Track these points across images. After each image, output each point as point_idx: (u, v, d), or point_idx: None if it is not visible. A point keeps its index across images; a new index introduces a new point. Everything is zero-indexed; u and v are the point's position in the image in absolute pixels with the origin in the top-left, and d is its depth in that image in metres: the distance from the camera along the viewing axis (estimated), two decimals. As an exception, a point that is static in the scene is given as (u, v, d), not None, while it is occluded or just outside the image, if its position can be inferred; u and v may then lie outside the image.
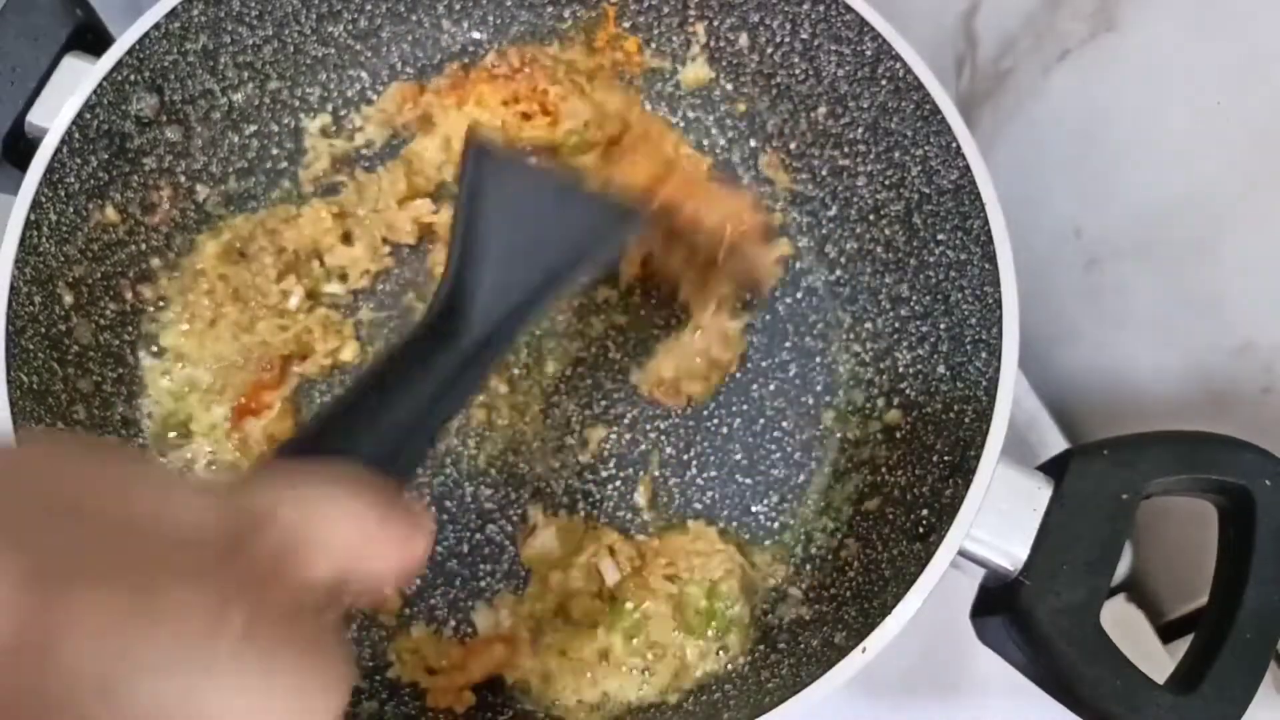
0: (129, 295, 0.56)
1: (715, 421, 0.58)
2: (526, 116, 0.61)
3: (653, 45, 0.64)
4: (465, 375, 0.43)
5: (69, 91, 0.52)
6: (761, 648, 0.52)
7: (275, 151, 0.61)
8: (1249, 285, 0.56)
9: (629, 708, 0.51)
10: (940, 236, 0.54)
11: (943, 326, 0.54)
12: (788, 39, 0.59)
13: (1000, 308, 0.49)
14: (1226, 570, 0.46)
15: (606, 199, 0.49)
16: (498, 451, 0.57)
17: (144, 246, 0.57)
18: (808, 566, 0.55)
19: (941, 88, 0.53)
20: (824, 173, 0.61)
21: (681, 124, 0.64)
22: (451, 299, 0.45)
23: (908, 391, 0.56)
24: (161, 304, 0.57)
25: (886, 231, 0.58)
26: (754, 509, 0.56)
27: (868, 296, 0.59)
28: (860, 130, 0.58)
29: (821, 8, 0.56)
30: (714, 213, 0.56)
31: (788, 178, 0.62)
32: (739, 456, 0.57)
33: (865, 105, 0.57)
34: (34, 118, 0.53)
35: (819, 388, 0.59)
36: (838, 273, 0.60)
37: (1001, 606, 0.46)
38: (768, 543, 0.56)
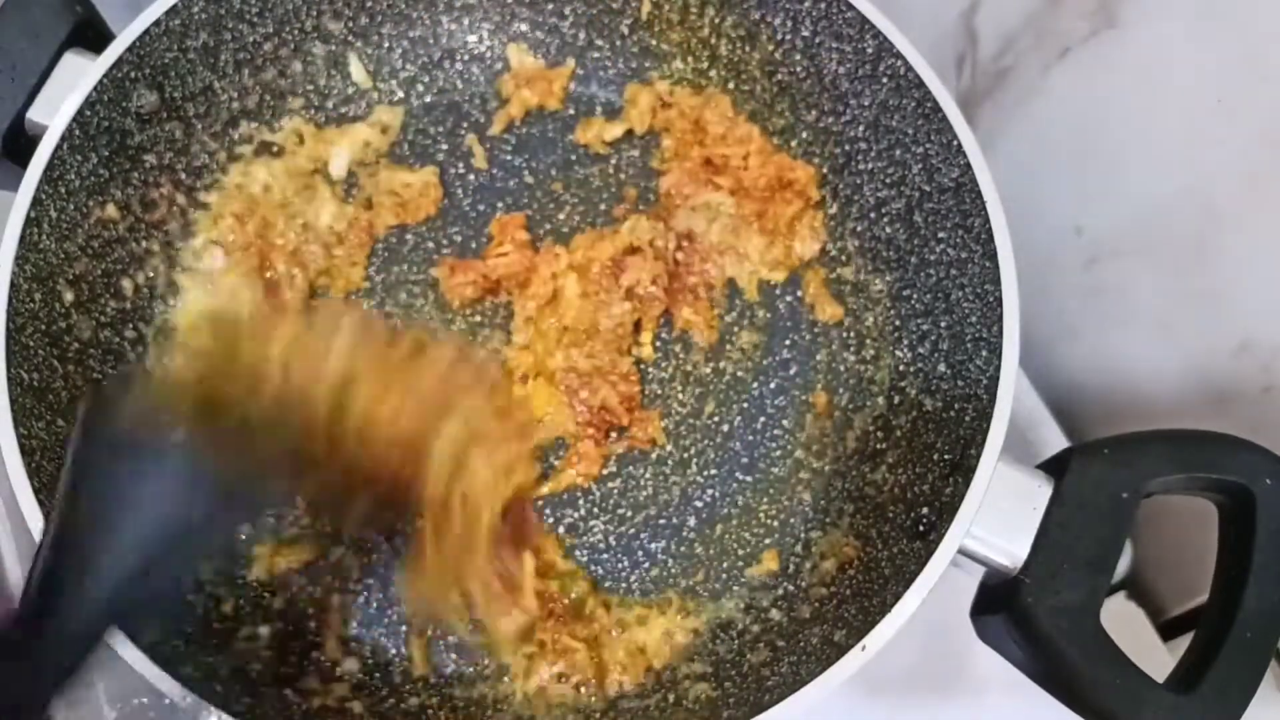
0: (129, 292, 0.56)
1: (716, 419, 0.58)
2: None
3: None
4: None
5: (69, 88, 0.52)
6: (761, 646, 0.52)
7: (275, 149, 0.61)
8: (1249, 284, 0.56)
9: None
10: (941, 234, 0.54)
11: (943, 324, 0.54)
12: (789, 36, 0.59)
13: (1001, 306, 0.49)
14: (1227, 569, 0.46)
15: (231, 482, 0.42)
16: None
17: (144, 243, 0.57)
18: (808, 565, 0.55)
19: (942, 85, 0.53)
20: (824, 171, 0.61)
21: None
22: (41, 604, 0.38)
23: (908, 390, 0.56)
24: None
25: (887, 229, 0.58)
26: (755, 507, 0.56)
27: (868, 295, 0.59)
28: (861, 128, 0.58)
29: (823, 5, 0.56)
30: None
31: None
32: (740, 455, 0.57)
33: (866, 103, 0.57)
34: (34, 115, 0.52)
35: (819, 387, 0.58)
36: (838, 271, 0.60)
37: (1001, 605, 0.46)
38: (768, 540, 0.56)
